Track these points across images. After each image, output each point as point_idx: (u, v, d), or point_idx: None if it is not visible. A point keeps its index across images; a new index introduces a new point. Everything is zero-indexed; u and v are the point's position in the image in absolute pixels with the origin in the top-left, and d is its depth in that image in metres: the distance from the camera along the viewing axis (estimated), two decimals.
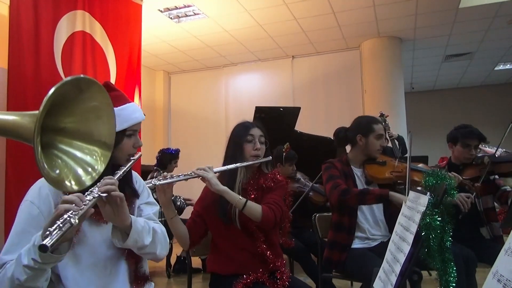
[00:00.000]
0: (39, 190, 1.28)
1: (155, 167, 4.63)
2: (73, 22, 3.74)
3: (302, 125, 5.08)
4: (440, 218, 0.95)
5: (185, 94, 8.23)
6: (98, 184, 1.13)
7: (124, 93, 1.50)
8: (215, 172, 1.79)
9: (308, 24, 5.97)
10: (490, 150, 3.25)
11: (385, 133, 4.67)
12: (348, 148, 2.60)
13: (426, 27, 6.10)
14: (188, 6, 5.34)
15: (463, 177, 2.57)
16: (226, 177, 1.86)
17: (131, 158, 1.40)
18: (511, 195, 2.68)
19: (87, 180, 0.96)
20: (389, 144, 4.71)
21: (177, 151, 4.71)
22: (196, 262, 4.53)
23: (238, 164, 1.84)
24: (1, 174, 3.34)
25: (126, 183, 1.42)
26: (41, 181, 1.29)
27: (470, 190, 2.57)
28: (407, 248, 0.98)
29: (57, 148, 0.96)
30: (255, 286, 1.75)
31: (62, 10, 3.64)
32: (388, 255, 1.14)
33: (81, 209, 1.02)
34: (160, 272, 4.60)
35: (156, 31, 6.12)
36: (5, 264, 1.17)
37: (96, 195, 1.10)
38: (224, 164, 1.89)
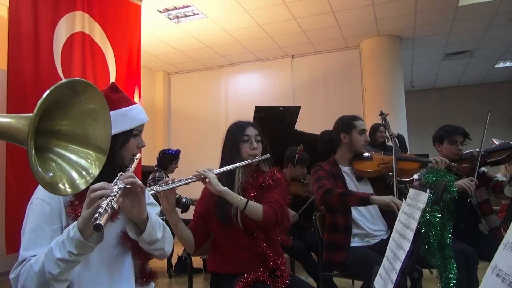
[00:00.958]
0: None
1: (156, 168, 4.63)
2: (72, 23, 3.74)
3: (302, 124, 5.08)
4: (440, 215, 0.95)
5: (185, 94, 8.24)
6: (119, 177, 1.18)
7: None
8: (215, 173, 1.79)
9: (308, 23, 5.97)
10: (497, 142, 3.28)
11: (385, 132, 4.68)
12: None
13: (425, 25, 6.10)
14: (187, 7, 5.34)
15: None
16: (225, 178, 1.85)
17: (134, 158, 1.43)
18: (505, 183, 2.74)
19: (81, 183, 0.96)
20: (390, 143, 4.71)
21: (177, 152, 4.71)
22: (197, 262, 4.53)
23: (237, 164, 1.84)
24: (1, 175, 3.35)
25: None
26: None
27: (458, 172, 2.61)
28: (407, 246, 0.98)
29: (52, 151, 0.95)
30: (256, 285, 1.75)
31: (61, 11, 3.64)
32: (388, 253, 1.14)
33: (115, 196, 1.07)
34: (161, 272, 4.59)
35: (156, 32, 6.12)
36: (26, 260, 1.19)
37: (122, 186, 1.14)
38: (221, 166, 1.89)
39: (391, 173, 2.43)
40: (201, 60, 7.59)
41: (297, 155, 3.68)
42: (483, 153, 2.67)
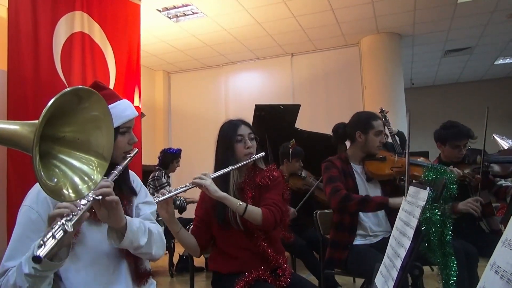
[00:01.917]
0: (37, 194, 1.28)
1: (157, 167, 4.64)
2: (72, 23, 3.74)
3: (302, 123, 5.08)
4: (440, 213, 0.95)
5: (185, 93, 8.24)
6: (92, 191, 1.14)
7: (116, 92, 1.49)
8: (212, 178, 1.76)
9: (307, 21, 5.97)
10: (503, 142, 3.21)
11: (385, 129, 4.68)
12: (348, 144, 2.59)
13: (425, 22, 6.09)
14: (187, 5, 5.34)
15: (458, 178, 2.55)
16: (220, 181, 1.81)
17: (127, 155, 1.40)
18: (510, 192, 2.64)
19: (83, 189, 0.96)
20: (389, 140, 4.70)
21: (178, 151, 4.72)
22: (199, 260, 4.54)
23: (235, 165, 1.81)
24: (2, 177, 3.35)
25: (123, 182, 1.43)
26: (39, 185, 1.29)
27: (471, 183, 2.56)
28: (407, 243, 0.98)
29: (55, 157, 0.96)
30: (257, 284, 1.75)
31: (61, 11, 3.64)
32: (389, 250, 1.15)
33: (75, 215, 1.02)
34: (162, 271, 4.61)
35: (155, 31, 6.12)
36: (7, 271, 1.18)
37: (91, 199, 1.10)
38: (215, 168, 1.87)
39: (403, 177, 2.37)
40: (200, 59, 7.58)
41: (290, 150, 3.70)
42: (486, 163, 2.55)
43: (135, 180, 1.54)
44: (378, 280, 1.15)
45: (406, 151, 2.13)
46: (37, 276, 1.08)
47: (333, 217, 2.41)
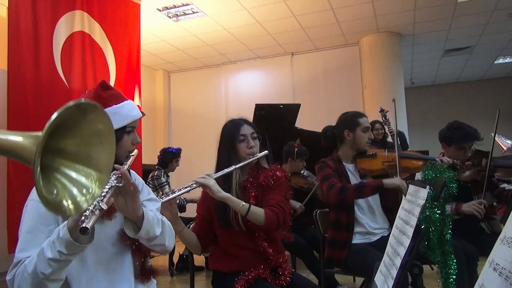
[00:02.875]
0: None
1: (157, 167, 4.63)
2: (72, 23, 3.74)
3: (302, 122, 5.09)
4: (439, 211, 0.95)
5: (185, 92, 8.24)
6: (111, 176, 1.19)
7: (121, 92, 1.51)
8: (215, 178, 1.76)
9: (307, 20, 5.97)
10: (505, 143, 3.20)
11: (385, 129, 4.69)
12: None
13: (425, 21, 6.09)
14: (187, 5, 5.34)
15: (461, 180, 2.55)
16: (221, 181, 1.81)
17: (130, 154, 1.41)
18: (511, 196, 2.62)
19: (82, 201, 0.97)
20: (389, 139, 4.71)
21: (178, 150, 4.72)
22: (199, 260, 4.55)
23: (238, 165, 1.81)
24: (3, 175, 3.36)
25: None
26: None
27: (461, 169, 2.58)
28: (407, 242, 0.99)
29: (55, 169, 0.96)
30: (257, 283, 1.75)
31: (61, 10, 3.64)
32: (388, 249, 1.15)
33: (104, 196, 1.09)
34: (163, 271, 4.61)
35: (155, 30, 6.12)
36: (20, 262, 1.19)
37: (113, 184, 1.16)
38: (217, 168, 1.86)
39: (394, 171, 2.43)
40: (200, 58, 7.58)
41: (296, 149, 3.71)
42: (492, 167, 2.53)
43: (137, 179, 1.55)
44: (378, 278, 1.15)
45: (395, 144, 2.18)
46: (61, 260, 1.10)
47: (330, 215, 2.43)
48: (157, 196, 1.64)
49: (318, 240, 2.69)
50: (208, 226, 1.92)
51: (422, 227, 0.96)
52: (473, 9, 5.68)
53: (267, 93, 7.33)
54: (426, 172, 1.05)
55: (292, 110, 4.80)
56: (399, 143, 4.12)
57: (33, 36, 3.40)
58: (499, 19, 6.04)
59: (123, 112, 1.39)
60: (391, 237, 1.17)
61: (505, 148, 3.52)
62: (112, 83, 4.00)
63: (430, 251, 0.97)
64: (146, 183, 1.66)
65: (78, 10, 3.79)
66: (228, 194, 1.74)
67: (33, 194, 1.30)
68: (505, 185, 2.81)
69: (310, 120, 6.07)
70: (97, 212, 1.03)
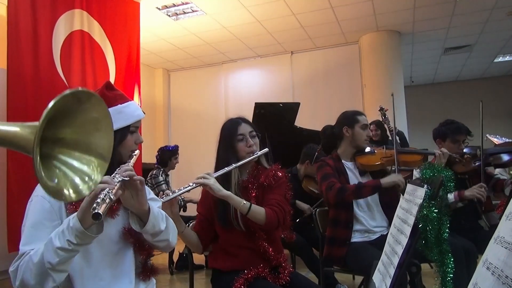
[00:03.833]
0: None
1: (156, 166, 4.64)
2: (71, 22, 3.74)
3: (302, 121, 5.09)
4: (437, 210, 0.96)
5: (185, 91, 8.24)
6: (118, 171, 1.24)
7: (124, 93, 1.54)
8: (215, 177, 1.76)
9: (307, 19, 5.96)
10: (496, 140, 3.27)
11: (385, 127, 4.69)
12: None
13: (424, 20, 6.08)
14: (186, 3, 5.33)
15: (457, 172, 2.61)
16: (221, 180, 1.80)
17: (133, 154, 1.45)
18: (507, 183, 2.72)
19: (84, 189, 0.98)
20: (389, 139, 4.71)
21: (175, 148, 4.71)
22: (199, 258, 4.55)
23: (237, 164, 1.80)
24: (2, 173, 3.36)
25: None
26: None
27: (461, 163, 2.66)
28: (405, 240, 0.99)
29: (55, 158, 0.97)
30: (256, 281, 1.75)
31: (60, 9, 3.64)
32: (386, 248, 1.16)
33: (114, 187, 1.14)
34: (162, 269, 4.61)
35: (155, 29, 6.12)
36: (25, 254, 1.21)
37: (120, 179, 1.19)
38: (216, 167, 1.86)
39: (394, 167, 2.50)
40: (200, 57, 7.58)
41: (316, 153, 3.65)
42: (486, 155, 2.66)
43: None
44: (376, 277, 1.16)
45: (394, 139, 2.21)
46: (69, 250, 1.13)
47: (329, 213, 2.44)
48: (156, 195, 1.65)
49: (317, 239, 2.69)
50: (208, 225, 1.92)
51: (420, 225, 0.97)
52: (472, 7, 5.68)
53: (267, 91, 7.33)
54: (424, 171, 1.06)
55: (291, 108, 4.81)
56: (398, 140, 4.13)
57: (32, 35, 3.40)
58: (498, 17, 6.04)
59: (128, 112, 1.43)
60: (389, 236, 1.18)
61: (497, 143, 3.59)
62: (111, 81, 4.00)
63: (427, 249, 0.98)
64: (145, 182, 1.67)
65: (78, 9, 3.79)
66: (229, 192, 1.74)
67: (38, 190, 1.32)
68: (498, 176, 2.91)
69: (310, 118, 6.07)
70: (107, 200, 1.07)
